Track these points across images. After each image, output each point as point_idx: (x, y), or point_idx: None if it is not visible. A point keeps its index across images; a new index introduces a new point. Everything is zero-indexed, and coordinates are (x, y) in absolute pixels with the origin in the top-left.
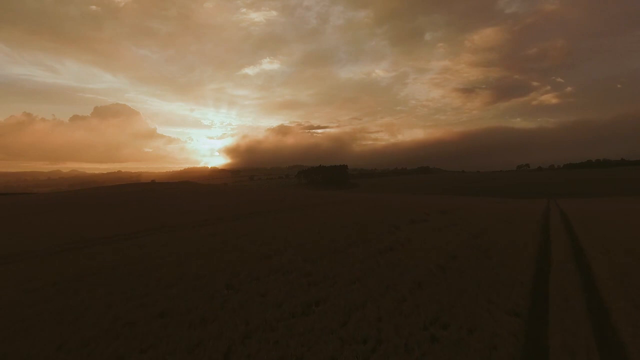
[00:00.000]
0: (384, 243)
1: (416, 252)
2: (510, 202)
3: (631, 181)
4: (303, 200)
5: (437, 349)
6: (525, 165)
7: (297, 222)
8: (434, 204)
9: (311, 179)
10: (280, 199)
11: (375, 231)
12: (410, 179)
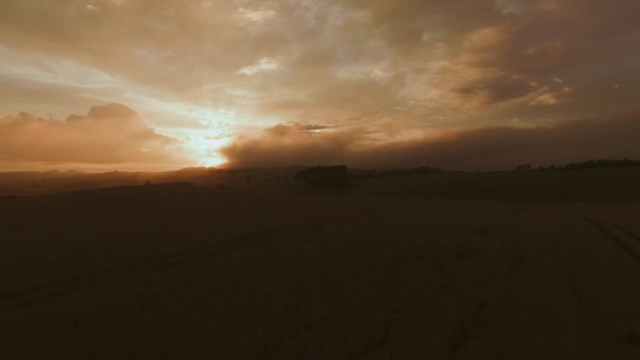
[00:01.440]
0: (445, 312)
1: (512, 339)
2: (531, 207)
3: (636, 182)
4: (303, 210)
5: None
6: (525, 165)
7: (296, 260)
8: (458, 215)
9: (310, 179)
10: (276, 210)
11: (417, 279)
12: (410, 179)
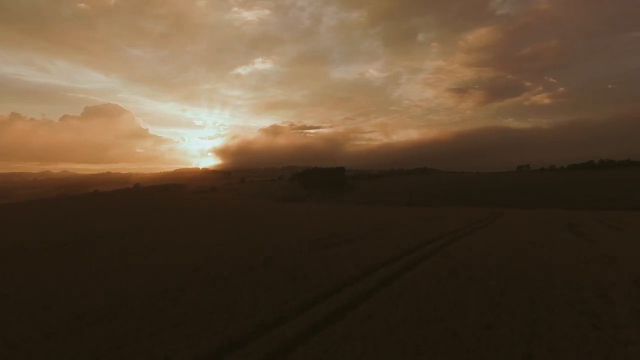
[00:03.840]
0: None
1: None
2: (583, 222)
3: None
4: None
5: None
6: (525, 166)
7: None
8: (548, 256)
9: (306, 181)
10: (263, 255)
11: None
12: (410, 180)
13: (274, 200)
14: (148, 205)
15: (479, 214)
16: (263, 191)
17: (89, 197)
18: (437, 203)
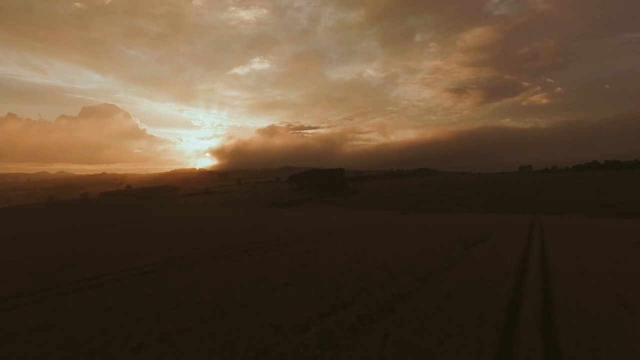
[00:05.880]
0: None
1: None
2: None
3: None
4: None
5: None
6: (527, 166)
7: None
8: None
9: (305, 183)
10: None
11: None
12: (412, 182)
13: (269, 205)
14: (91, 225)
15: (518, 227)
16: (259, 194)
17: (70, 204)
18: (448, 208)
